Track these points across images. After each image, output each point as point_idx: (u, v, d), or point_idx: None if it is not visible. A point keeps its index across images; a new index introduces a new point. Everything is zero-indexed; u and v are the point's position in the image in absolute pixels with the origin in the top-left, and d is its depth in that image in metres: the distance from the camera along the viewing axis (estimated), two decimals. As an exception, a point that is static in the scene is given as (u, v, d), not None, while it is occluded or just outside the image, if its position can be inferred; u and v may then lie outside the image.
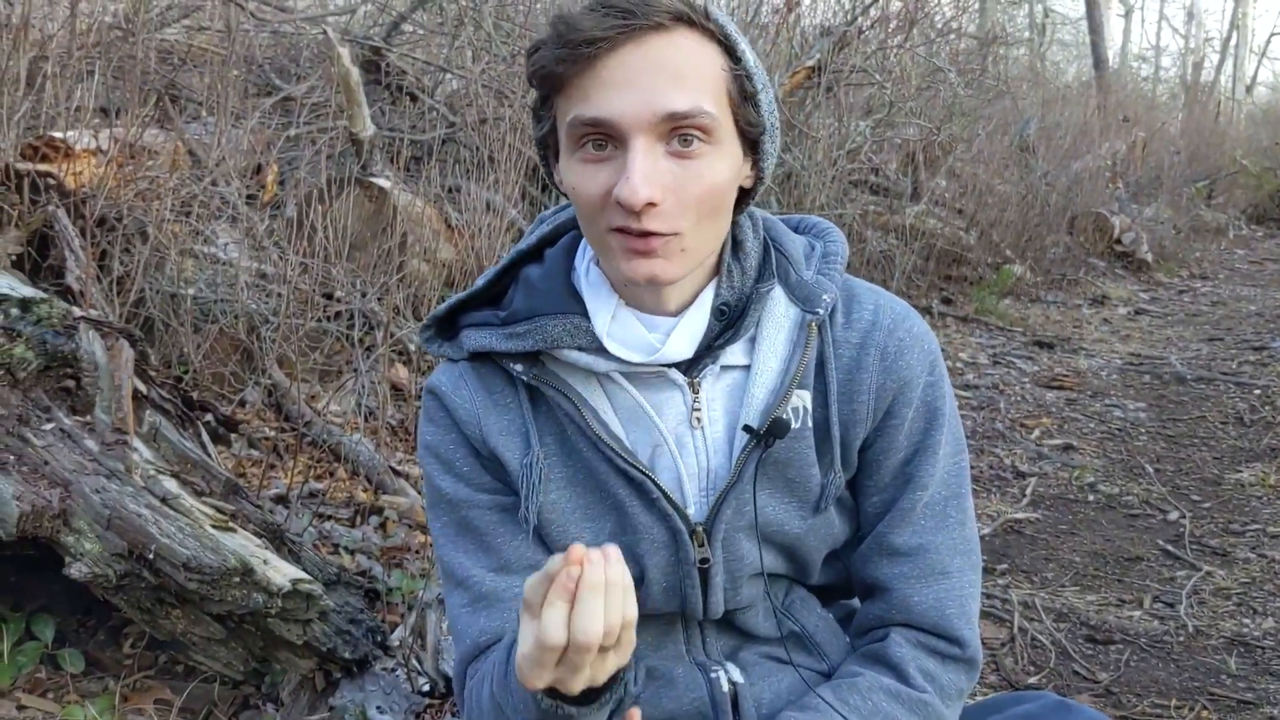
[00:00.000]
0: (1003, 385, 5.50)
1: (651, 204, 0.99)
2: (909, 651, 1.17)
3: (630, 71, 0.98)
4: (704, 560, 1.14)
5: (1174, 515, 3.71)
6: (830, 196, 5.90)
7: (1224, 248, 11.85)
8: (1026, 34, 16.77)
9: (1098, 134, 10.96)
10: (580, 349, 1.11)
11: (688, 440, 1.14)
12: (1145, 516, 3.72)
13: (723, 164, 1.04)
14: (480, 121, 4.87)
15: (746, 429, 1.11)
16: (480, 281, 1.20)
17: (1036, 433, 4.69)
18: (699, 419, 1.13)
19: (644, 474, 1.11)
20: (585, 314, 1.11)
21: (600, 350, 1.10)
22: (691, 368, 1.13)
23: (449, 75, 5.66)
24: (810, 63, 6.09)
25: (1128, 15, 31.33)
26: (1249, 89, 27.21)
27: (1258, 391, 5.38)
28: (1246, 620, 2.93)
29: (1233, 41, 25.77)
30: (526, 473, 1.14)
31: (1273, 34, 31.91)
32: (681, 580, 1.16)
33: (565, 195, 1.13)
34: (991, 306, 7.12)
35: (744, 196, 1.13)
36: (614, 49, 0.98)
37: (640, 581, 1.16)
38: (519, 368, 1.14)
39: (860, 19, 6.61)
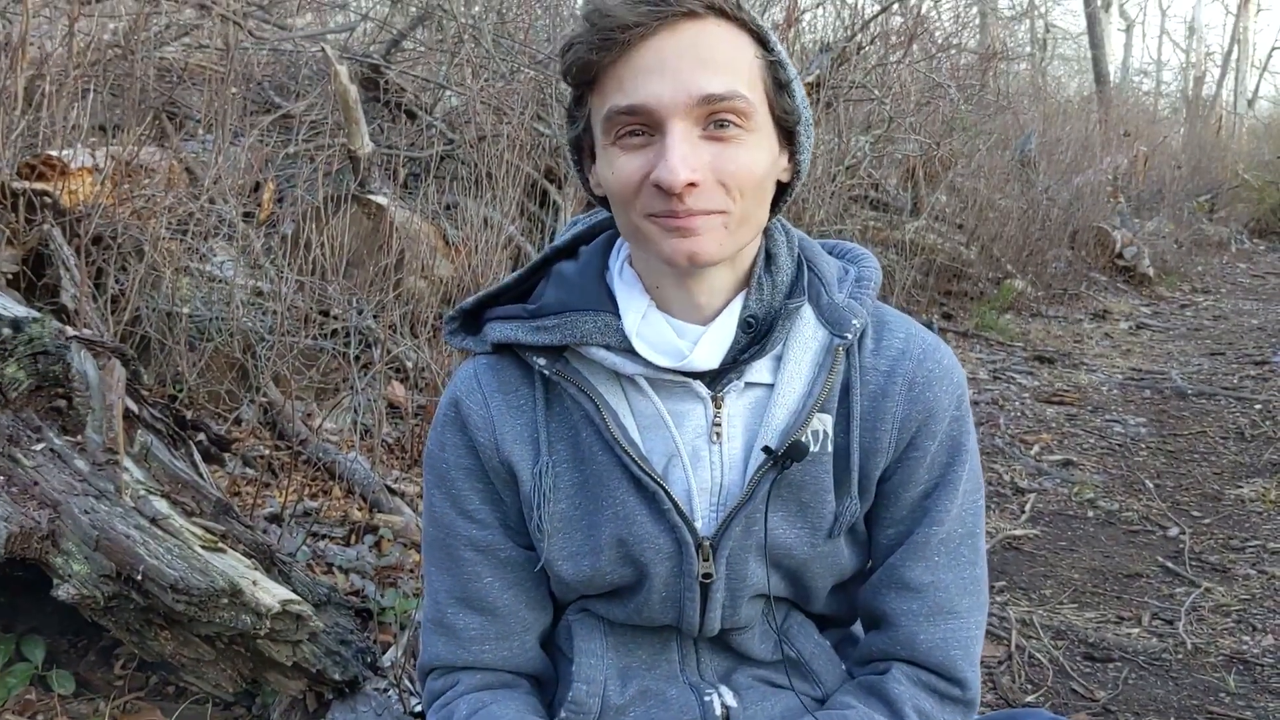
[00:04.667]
0: (1003, 400, 5.48)
1: (692, 184, 0.99)
2: (907, 689, 1.15)
3: (665, 57, 0.99)
4: (706, 575, 1.14)
5: (1174, 531, 3.69)
6: (830, 212, 5.90)
7: (1226, 262, 11.85)
8: (1027, 49, 16.81)
9: (1099, 148, 11.00)
10: (608, 348, 1.10)
11: (704, 454, 1.13)
12: (1145, 533, 3.70)
13: (760, 150, 1.04)
14: (479, 138, 4.89)
15: (765, 450, 1.10)
16: (509, 278, 1.20)
17: (1036, 448, 4.68)
18: (719, 434, 1.12)
19: (658, 483, 1.11)
20: (616, 313, 1.11)
21: (628, 352, 1.10)
22: (715, 381, 1.12)
23: (448, 92, 5.68)
24: (810, 79, 6.10)
25: (1129, 30, 31.40)
26: (1250, 103, 27.24)
27: (1259, 406, 5.36)
28: (1246, 637, 2.91)
29: (1234, 56, 25.81)
30: (537, 481, 1.14)
31: (1274, 48, 31.98)
32: (681, 593, 1.16)
33: (599, 203, 1.13)
34: (992, 322, 7.11)
35: (780, 195, 1.13)
36: (647, 36, 0.99)
37: (640, 588, 1.16)
38: (542, 361, 1.13)
39: (860, 35, 6.63)
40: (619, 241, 1.18)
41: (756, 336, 1.12)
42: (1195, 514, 3.89)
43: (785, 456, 1.09)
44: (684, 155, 0.98)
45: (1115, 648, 2.85)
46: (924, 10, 7.80)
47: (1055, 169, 9.52)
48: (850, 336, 1.12)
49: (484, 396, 1.17)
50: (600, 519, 1.15)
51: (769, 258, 1.14)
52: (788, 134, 1.09)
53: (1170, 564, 3.39)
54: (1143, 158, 12.47)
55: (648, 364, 1.10)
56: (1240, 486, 4.17)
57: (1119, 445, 4.77)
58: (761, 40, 1.05)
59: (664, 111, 0.99)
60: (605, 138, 1.04)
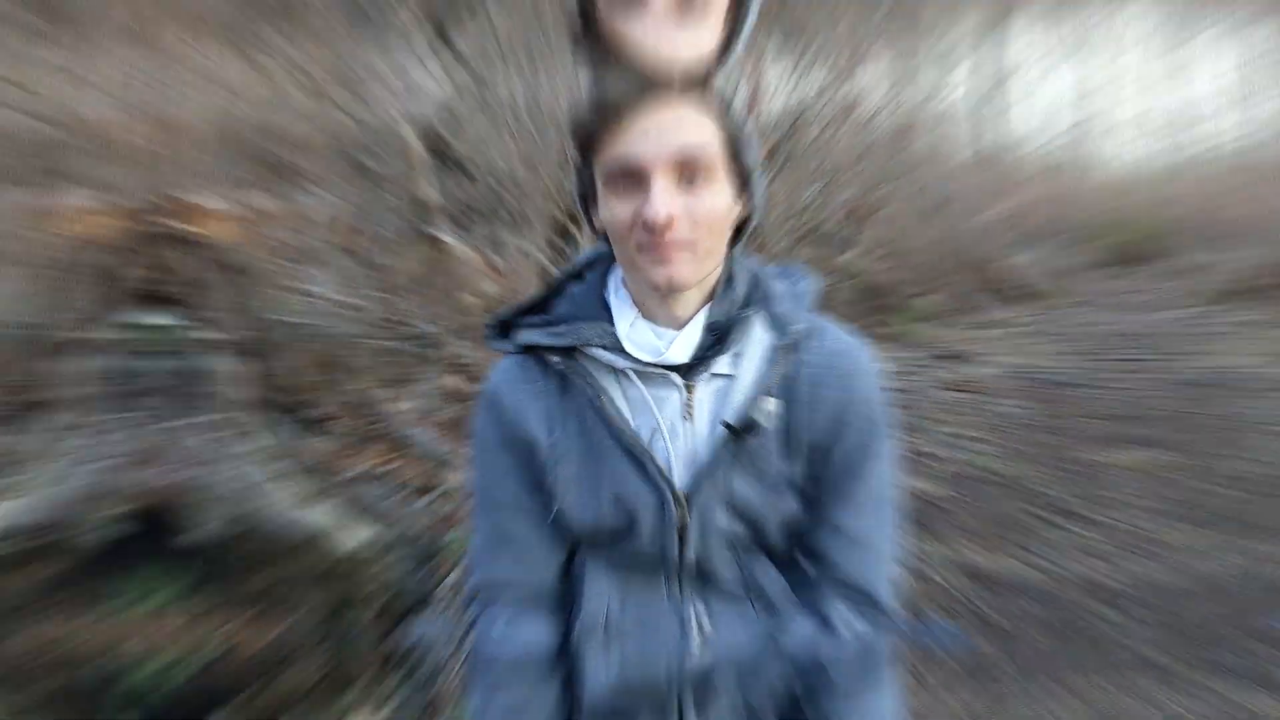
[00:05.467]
0: (919, 389, 5.49)
1: (670, 223, 1.02)
2: (834, 605, 1.18)
3: (649, 127, 1.02)
4: (683, 522, 1.16)
5: (1055, 490, 3.70)
6: (785, 245, 5.92)
7: (1101, 282, 11.82)
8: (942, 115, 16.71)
9: (1000, 193, 10.96)
10: (605, 348, 1.13)
11: (680, 429, 1.15)
12: (1031, 491, 3.71)
13: (722, 196, 1.07)
14: (517, 188, 4.90)
15: (725, 424, 1.13)
16: (534, 296, 1.23)
17: (945, 425, 4.68)
18: (690, 413, 1.14)
19: (644, 451, 1.14)
20: (611, 321, 1.14)
21: (620, 350, 1.13)
22: (689, 373, 1.14)
23: (494, 155, 5.69)
24: (769, 146, 6.10)
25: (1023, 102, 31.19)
26: (1117, 159, 27.05)
27: (1124, 394, 5.37)
28: (1113, 572, 2.91)
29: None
30: (551, 451, 1.16)
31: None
32: (664, 533, 1.17)
33: (602, 238, 1.15)
34: (911, 329, 7.10)
35: (739, 231, 1.15)
36: (639, 112, 1.02)
37: (632, 532, 1.19)
38: (556, 359, 1.16)
39: (805, 114, 6.61)
40: (615, 267, 1.20)
41: (719, 338, 1.14)
42: (1072, 475, 3.90)
43: (741, 430, 1.12)
44: (665, 200, 1.02)
45: (1009, 580, 2.86)
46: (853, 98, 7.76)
47: (964, 210, 9.50)
48: (791, 338, 1.15)
49: (512, 386, 1.19)
50: (601, 480, 1.17)
51: (729, 278, 1.17)
52: (743, 183, 1.11)
53: (1053, 516, 3.40)
54: (1033, 200, 12.42)
55: (635, 360, 1.13)
56: (1109, 455, 4.18)
57: (1011, 423, 4.78)
58: (726, 112, 1.07)
59: (649, 167, 1.02)
60: (605, 188, 1.07)
